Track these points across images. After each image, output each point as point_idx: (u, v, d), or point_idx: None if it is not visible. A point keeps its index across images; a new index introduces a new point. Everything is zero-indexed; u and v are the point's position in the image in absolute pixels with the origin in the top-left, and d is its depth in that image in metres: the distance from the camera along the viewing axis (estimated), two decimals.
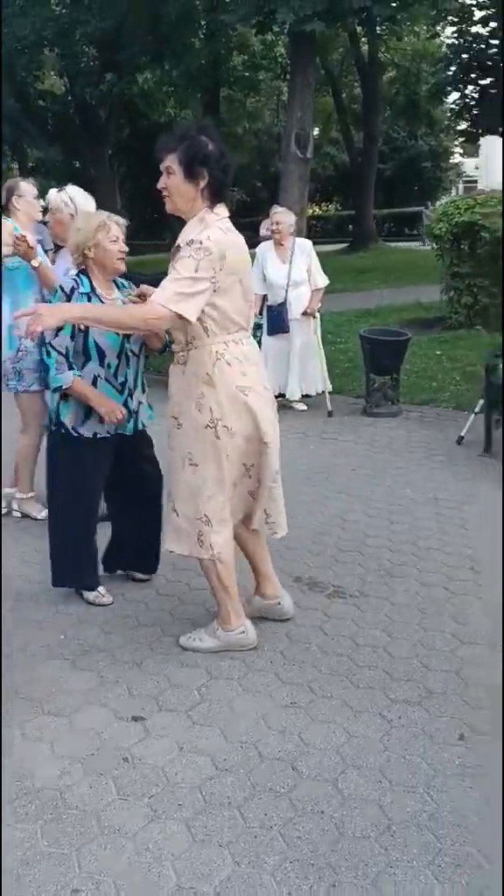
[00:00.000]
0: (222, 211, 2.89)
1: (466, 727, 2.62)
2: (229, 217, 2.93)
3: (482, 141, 30.28)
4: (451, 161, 35.87)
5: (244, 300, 2.93)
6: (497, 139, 21.78)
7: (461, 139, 26.82)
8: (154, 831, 2.19)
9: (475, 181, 38.42)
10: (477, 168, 42.21)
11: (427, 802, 2.29)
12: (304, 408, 6.75)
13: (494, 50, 19.80)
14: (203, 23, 19.32)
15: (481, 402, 5.61)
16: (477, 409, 5.69)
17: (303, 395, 6.75)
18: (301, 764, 2.46)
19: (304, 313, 6.52)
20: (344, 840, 2.16)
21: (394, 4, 14.14)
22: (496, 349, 5.74)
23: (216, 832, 2.19)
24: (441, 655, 3.05)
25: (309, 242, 6.72)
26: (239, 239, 2.93)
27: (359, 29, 18.47)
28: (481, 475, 5.11)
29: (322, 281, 6.53)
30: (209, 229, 2.79)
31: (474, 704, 2.74)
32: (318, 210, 36.74)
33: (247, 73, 23.25)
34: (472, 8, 19.89)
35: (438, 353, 8.56)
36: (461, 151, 38.10)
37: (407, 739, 2.56)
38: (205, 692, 2.83)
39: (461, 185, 37.98)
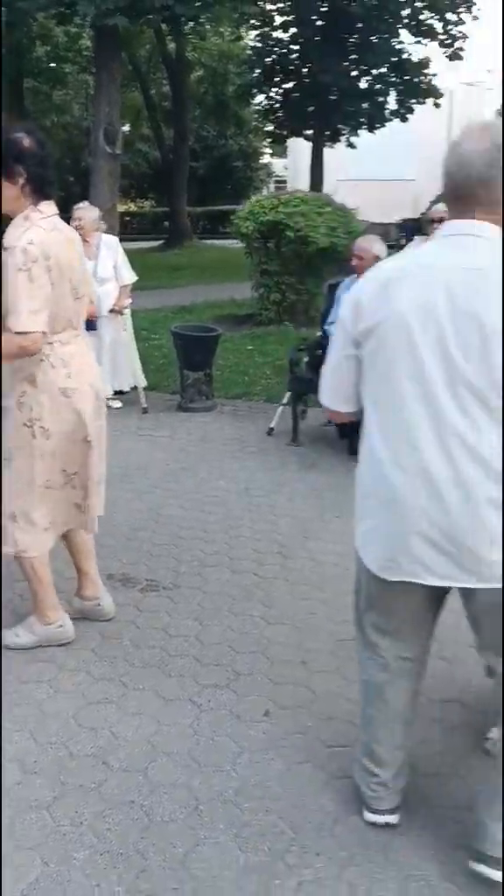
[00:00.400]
0: (48, 209, 2.85)
1: (272, 703, 2.75)
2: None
3: (289, 142, 31.39)
4: (261, 161, 36.84)
5: (72, 298, 2.90)
6: (303, 141, 22.63)
7: (268, 140, 27.57)
8: None
9: (285, 181, 39.73)
10: (286, 168, 43.68)
11: (233, 779, 2.38)
12: (119, 405, 6.72)
13: (295, 56, 20.55)
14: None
15: (289, 394, 5.86)
16: (284, 402, 5.93)
17: (115, 392, 6.72)
18: (112, 758, 2.48)
19: (112, 310, 6.49)
20: (153, 826, 2.21)
21: (197, 4, 14.31)
22: (300, 343, 6.00)
23: (24, 836, 2.16)
24: (249, 638, 3.18)
25: (115, 238, 6.69)
26: (65, 235, 2.90)
27: (164, 27, 18.49)
28: (289, 464, 5.34)
29: (129, 277, 6.52)
30: (30, 231, 2.75)
31: (279, 681, 2.88)
32: (132, 207, 36.49)
33: (52, 65, 22.64)
34: (274, 13, 20.54)
35: (250, 348, 8.82)
36: (271, 152, 39.24)
37: (216, 722, 2.65)
38: (15, 697, 2.78)
39: (272, 185, 39.12)
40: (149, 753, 2.50)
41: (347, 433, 5.41)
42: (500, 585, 1.82)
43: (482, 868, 1.97)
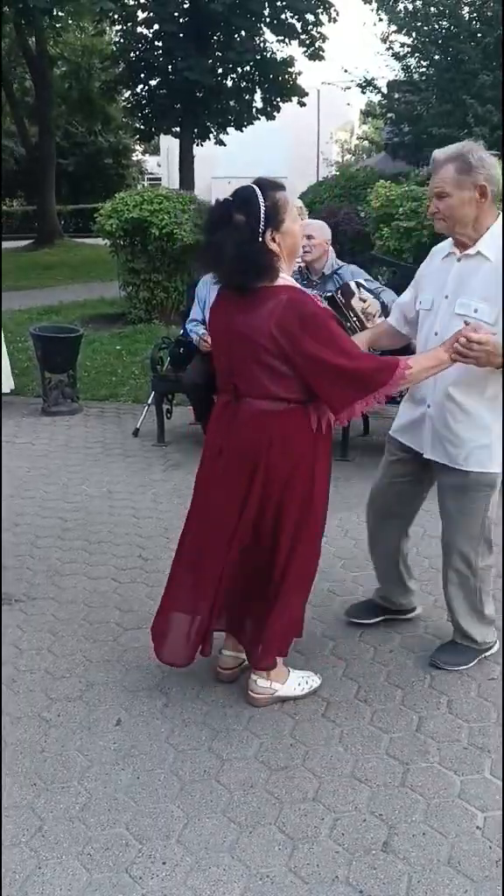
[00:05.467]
0: None
1: (124, 711, 2.69)
2: None
3: (162, 140, 31.19)
4: (132, 158, 36.43)
5: None
6: (172, 139, 22.53)
7: (136, 137, 27.27)
8: None
9: (159, 178, 39.46)
10: (159, 165, 43.39)
11: (80, 794, 2.31)
12: None
13: (159, 52, 20.40)
14: None
15: (153, 394, 5.79)
16: (150, 401, 5.86)
17: None
18: None
19: None
20: None
21: None
22: (162, 343, 5.94)
23: None
24: (105, 646, 3.10)
25: None
26: None
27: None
28: (154, 465, 5.28)
29: None
30: None
31: (133, 688, 2.82)
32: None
33: None
34: (137, 10, 20.30)
35: (119, 347, 8.68)
36: (142, 149, 38.87)
37: (65, 736, 2.57)
38: None
39: (146, 182, 38.79)
40: None
41: None
42: None
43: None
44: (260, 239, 2.36)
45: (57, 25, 20.20)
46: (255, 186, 2.40)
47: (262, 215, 2.35)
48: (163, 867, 2.05)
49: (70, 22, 21.39)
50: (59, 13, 15.99)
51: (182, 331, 5.89)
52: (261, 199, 2.35)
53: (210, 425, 2.68)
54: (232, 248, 2.33)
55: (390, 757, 2.45)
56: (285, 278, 2.44)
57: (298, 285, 2.54)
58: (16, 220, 33.28)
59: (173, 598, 2.70)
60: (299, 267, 4.82)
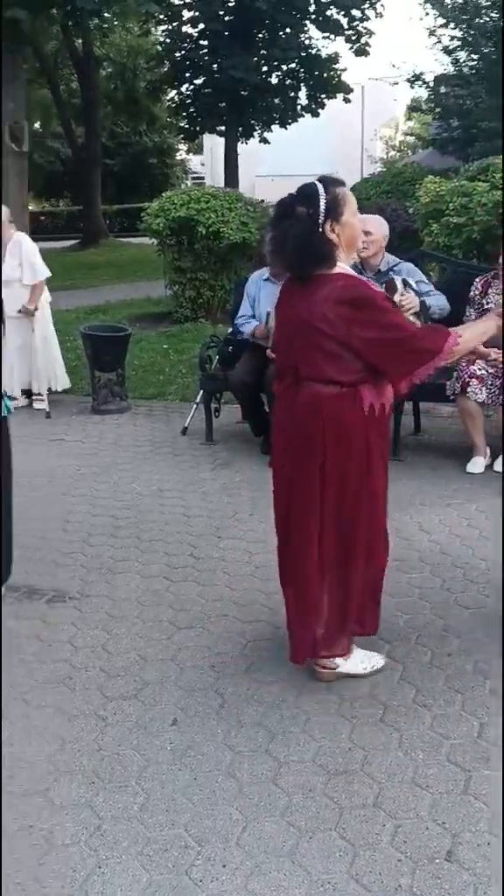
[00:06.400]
0: None
1: (180, 711, 2.68)
2: None
3: (205, 138, 31.24)
4: (177, 157, 36.59)
5: None
6: (215, 138, 22.58)
7: (181, 136, 27.39)
8: None
9: (202, 177, 39.57)
10: (203, 164, 43.51)
11: (138, 794, 2.30)
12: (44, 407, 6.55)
13: (205, 51, 20.44)
14: None
15: (201, 393, 5.79)
16: (198, 400, 5.85)
17: (25, 393, 6.65)
18: (10, 782, 2.36)
19: (20, 311, 6.30)
20: (52, 851, 2.11)
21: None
22: (210, 341, 5.93)
23: None
24: (159, 645, 3.10)
25: (22, 235, 6.50)
26: None
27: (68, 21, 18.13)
28: (202, 463, 5.27)
29: (31, 277, 6.33)
30: None
31: (188, 688, 2.81)
32: (46, 206, 35.80)
33: None
34: (182, 9, 20.38)
35: (165, 346, 8.70)
36: (187, 148, 39.01)
37: (121, 735, 2.56)
38: None
39: (189, 181, 38.93)
40: (50, 773, 2.39)
41: (261, 431, 5.38)
42: None
43: None
44: (319, 229, 2.50)
45: (103, 26, 20.37)
46: (317, 182, 2.54)
47: (322, 207, 2.49)
48: (223, 870, 2.03)
49: (115, 23, 21.54)
50: (106, 14, 16.09)
51: (230, 329, 5.89)
52: (322, 193, 2.50)
53: (273, 422, 2.77)
54: (293, 237, 2.50)
55: (452, 763, 2.40)
56: (343, 267, 2.57)
57: (355, 273, 2.67)
58: (62, 221, 33.72)
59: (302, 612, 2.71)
60: (354, 263, 4.78)
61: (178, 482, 4.94)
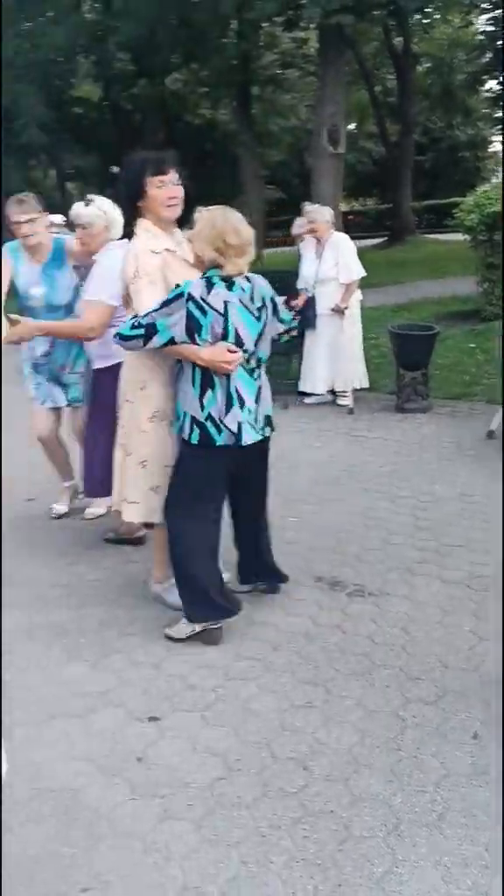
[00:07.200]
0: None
1: (481, 725, 2.60)
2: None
3: None
4: (490, 150, 35.32)
5: None
6: None
7: (498, 127, 26.37)
8: (164, 831, 2.22)
9: None
10: None
11: (437, 802, 2.28)
12: (349, 403, 6.73)
13: None
14: (232, 22, 19.37)
15: None
16: None
17: (330, 392, 6.84)
18: (313, 764, 2.46)
19: (334, 309, 6.51)
20: (351, 840, 2.16)
21: None
22: None
23: (225, 832, 2.21)
24: (460, 653, 3.03)
25: (342, 236, 6.69)
26: None
27: (390, 21, 18.28)
28: None
29: (346, 276, 6.48)
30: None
31: (489, 703, 2.71)
32: (355, 205, 36.52)
33: (278, 72, 23.24)
34: None
35: (472, 345, 8.45)
36: (501, 139, 37.48)
37: (420, 739, 2.55)
38: (221, 692, 2.85)
39: (501, 174, 37.35)
40: (350, 764, 2.45)
41: None
42: None
43: None
44: None
45: (423, 22, 20.21)
46: None
47: None
48: None
49: (436, 16, 21.27)
50: (427, 9, 15.95)
51: None
52: None
53: None
54: None
55: None
56: None
57: None
58: (370, 219, 34.20)
59: None
60: None
61: (482, 488, 4.77)
